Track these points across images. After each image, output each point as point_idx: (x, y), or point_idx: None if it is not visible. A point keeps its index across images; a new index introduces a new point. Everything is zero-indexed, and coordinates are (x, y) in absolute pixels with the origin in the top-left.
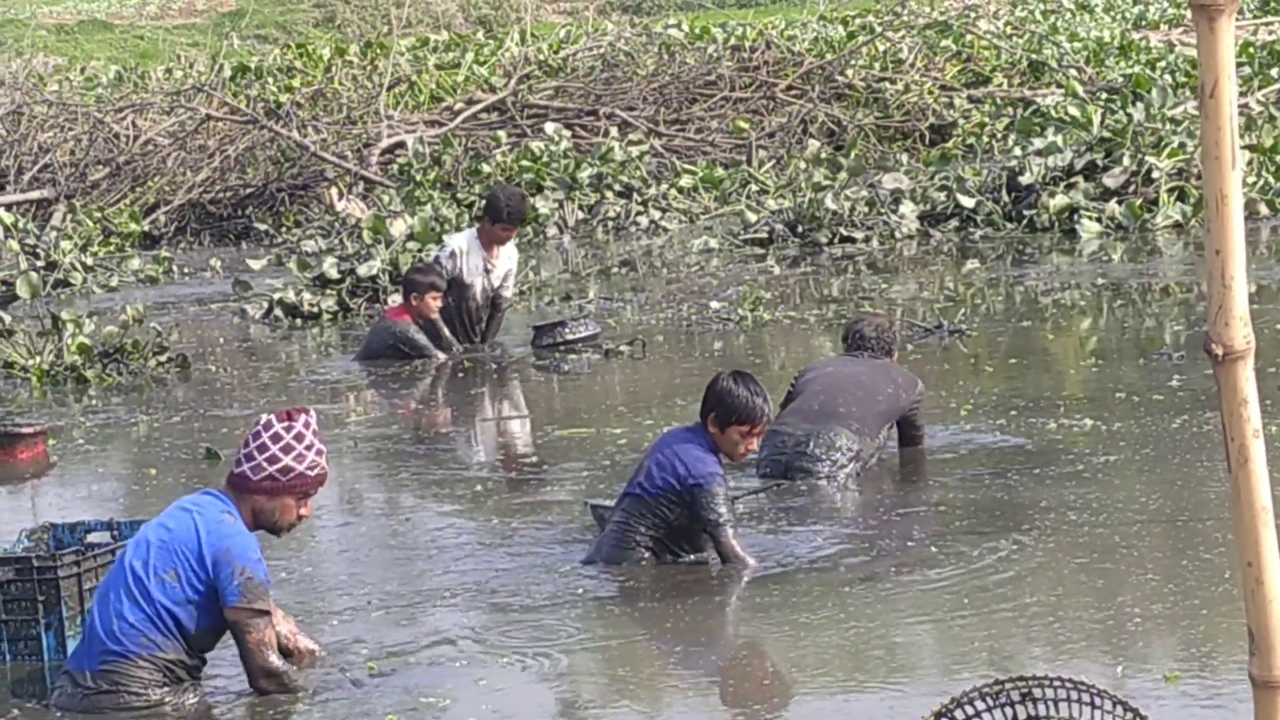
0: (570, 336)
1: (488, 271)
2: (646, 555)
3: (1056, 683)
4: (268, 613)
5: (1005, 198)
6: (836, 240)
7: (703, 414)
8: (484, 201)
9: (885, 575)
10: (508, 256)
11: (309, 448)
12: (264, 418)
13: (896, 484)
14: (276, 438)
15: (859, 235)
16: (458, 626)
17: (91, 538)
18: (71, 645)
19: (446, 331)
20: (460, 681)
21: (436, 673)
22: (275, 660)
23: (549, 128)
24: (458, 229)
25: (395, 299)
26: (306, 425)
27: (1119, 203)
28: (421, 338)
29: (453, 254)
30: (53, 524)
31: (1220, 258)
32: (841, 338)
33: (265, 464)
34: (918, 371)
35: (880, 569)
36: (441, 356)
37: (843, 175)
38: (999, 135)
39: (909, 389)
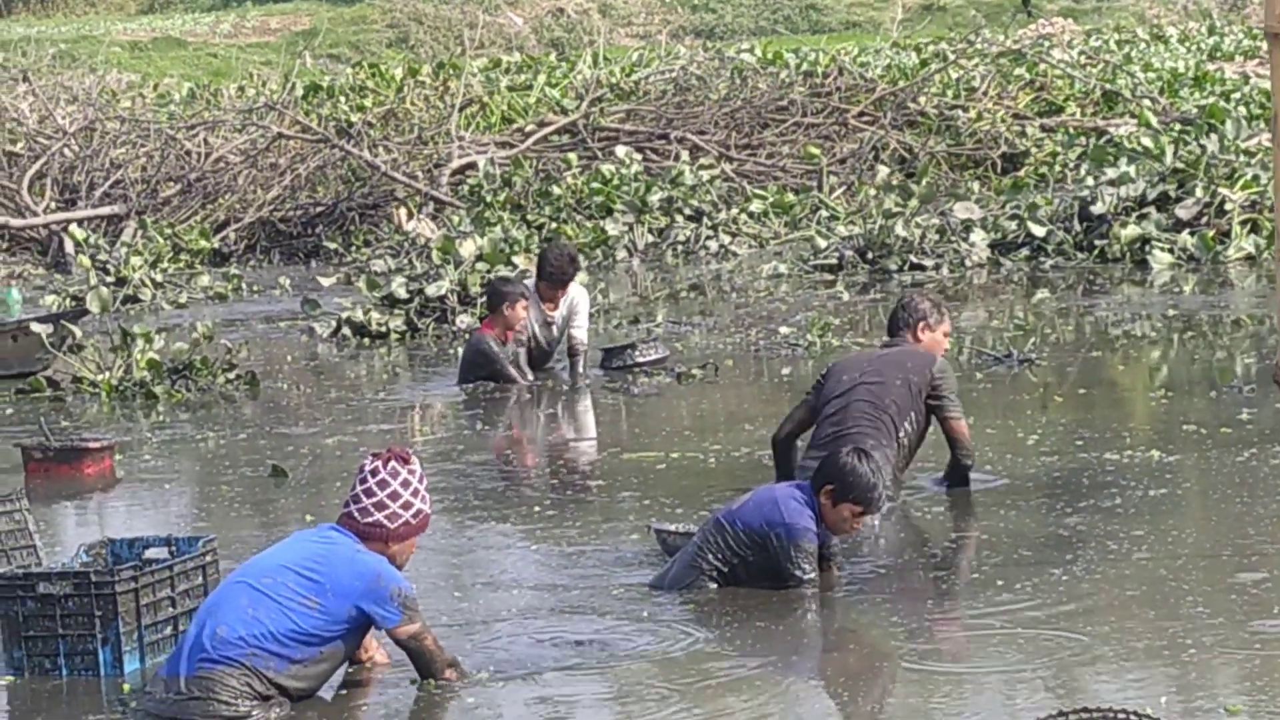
0: (639, 360)
1: (548, 324)
2: (712, 586)
3: (1120, 714)
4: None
5: (1077, 227)
6: (906, 267)
7: (817, 482)
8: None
9: (944, 604)
10: (570, 301)
11: (423, 483)
12: (389, 467)
13: (958, 513)
14: (406, 484)
15: (929, 263)
16: (520, 646)
17: (149, 553)
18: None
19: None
20: (520, 701)
21: (496, 690)
22: (450, 653)
23: (620, 151)
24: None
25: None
26: (415, 462)
27: (1191, 234)
28: (496, 350)
29: None
30: (110, 539)
31: None
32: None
33: (401, 510)
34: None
35: (939, 597)
36: (514, 375)
37: (913, 202)
38: (1071, 165)
39: (921, 369)
